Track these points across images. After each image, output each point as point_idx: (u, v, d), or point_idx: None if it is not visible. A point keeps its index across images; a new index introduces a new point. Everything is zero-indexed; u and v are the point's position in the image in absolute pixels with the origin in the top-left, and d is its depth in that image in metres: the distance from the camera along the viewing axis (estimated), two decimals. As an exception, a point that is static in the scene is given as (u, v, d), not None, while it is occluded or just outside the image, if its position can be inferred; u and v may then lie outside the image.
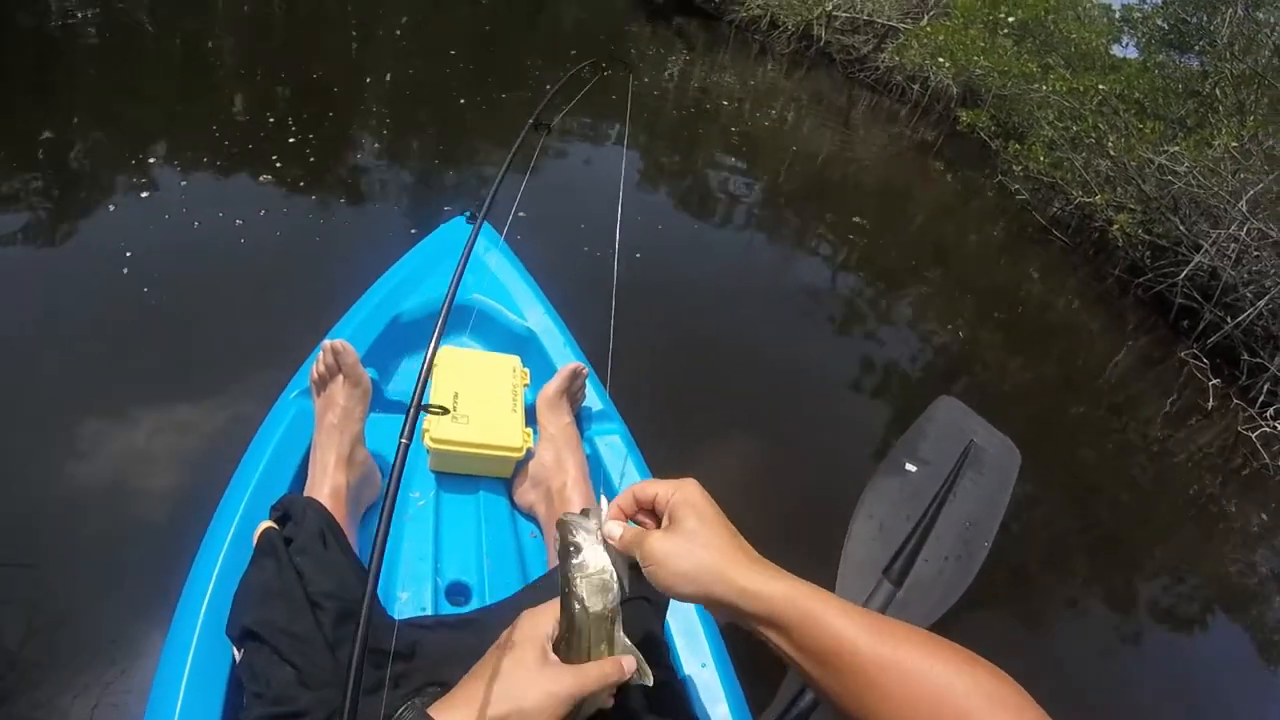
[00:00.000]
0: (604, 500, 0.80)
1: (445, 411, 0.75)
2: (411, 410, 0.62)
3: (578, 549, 0.76)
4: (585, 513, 0.79)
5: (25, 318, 2.45)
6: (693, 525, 0.70)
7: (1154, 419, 4.31)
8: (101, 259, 2.75)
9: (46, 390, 2.20)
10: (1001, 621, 2.50)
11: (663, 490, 0.75)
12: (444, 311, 0.69)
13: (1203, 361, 4.74)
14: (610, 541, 0.76)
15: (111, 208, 3.14)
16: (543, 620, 0.80)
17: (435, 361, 1.70)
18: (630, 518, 0.78)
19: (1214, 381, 4.54)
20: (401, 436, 0.60)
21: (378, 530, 0.57)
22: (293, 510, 1.20)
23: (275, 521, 1.20)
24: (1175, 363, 4.93)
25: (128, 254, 2.80)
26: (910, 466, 1.44)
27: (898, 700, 0.56)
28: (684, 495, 0.73)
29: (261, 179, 3.62)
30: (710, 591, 0.67)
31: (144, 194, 3.28)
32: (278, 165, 3.79)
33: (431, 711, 0.72)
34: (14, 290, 2.57)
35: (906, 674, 0.56)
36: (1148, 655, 2.72)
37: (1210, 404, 4.43)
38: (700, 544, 0.69)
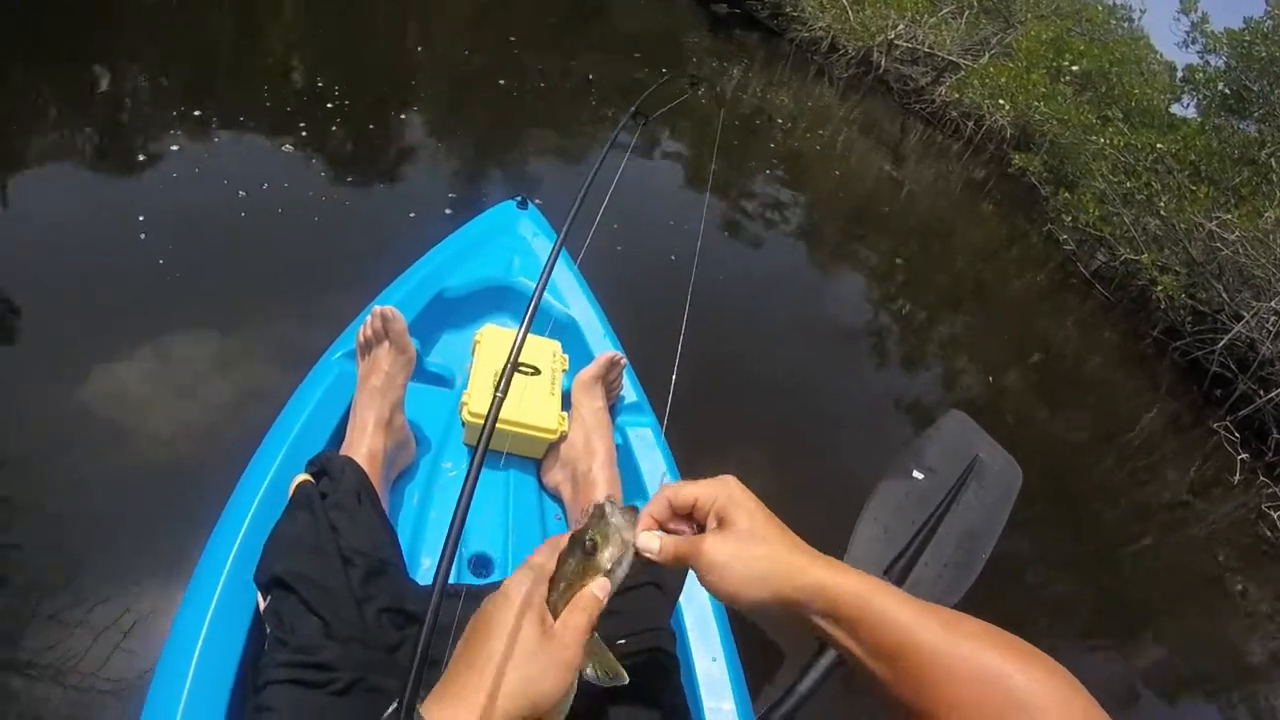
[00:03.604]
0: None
1: (536, 371, 0.75)
2: (508, 368, 0.63)
3: (595, 548, 0.71)
4: (633, 509, 0.74)
5: (69, 262, 2.49)
6: (747, 525, 0.68)
7: (1176, 485, 4.26)
8: (144, 210, 2.78)
9: (85, 334, 2.23)
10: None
11: (703, 493, 0.71)
12: (534, 298, 0.69)
13: (1233, 434, 4.68)
14: (649, 555, 0.72)
15: (162, 162, 3.17)
16: (535, 586, 0.70)
17: (478, 338, 1.72)
18: (662, 526, 0.74)
19: (1242, 456, 4.48)
20: (497, 390, 0.61)
21: (460, 496, 0.57)
22: (330, 467, 1.22)
23: (312, 476, 1.22)
24: (1204, 431, 4.87)
25: (172, 206, 2.84)
26: (917, 474, 1.46)
27: (965, 700, 0.55)
28: (729, 495, 0.70)
29: (315, 146, 3.66)
30: (778, 592, 0.65)
31: (197, 150, 3.33)
32: (333, 134, 3.84)
33: (424, 708, 0.64)
34: (65, 234, 2.61)
35: (975, 673, 0.56)
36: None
37: (1236, 478, 4.37)
38: (760, 544, 0.67)
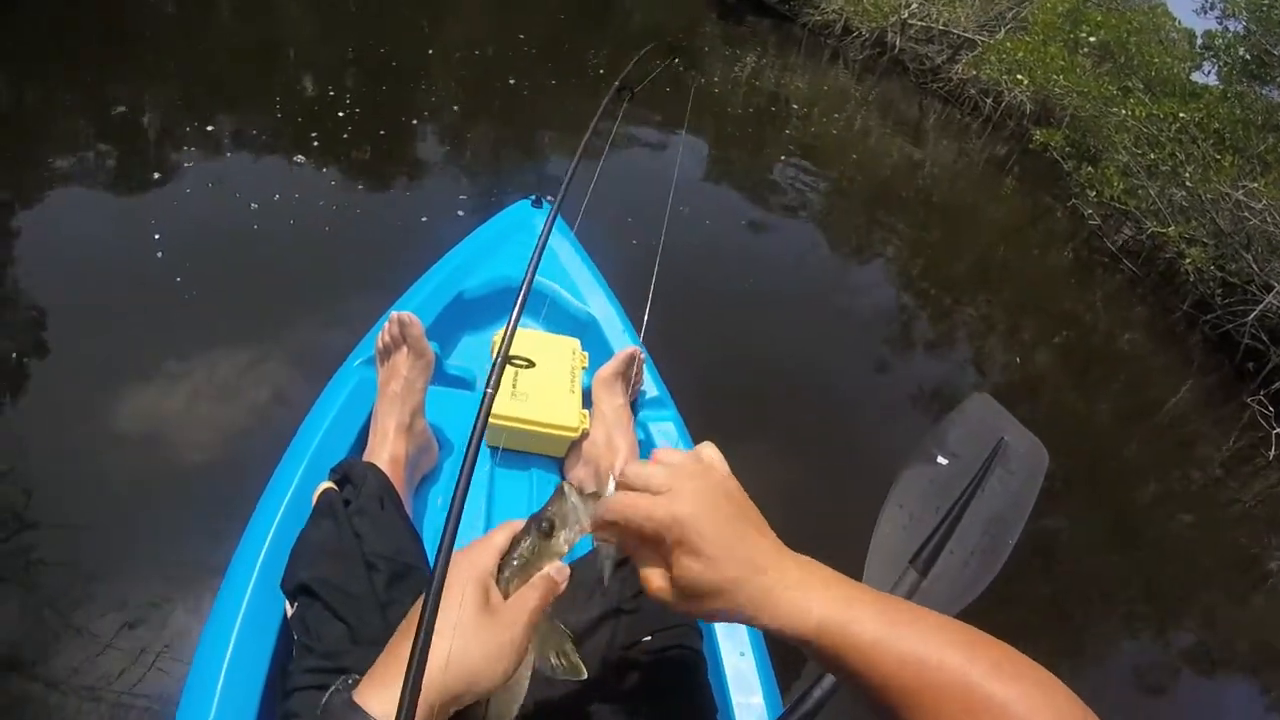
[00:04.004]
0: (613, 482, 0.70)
1: (531, 364, 0.74)
2: (498, 360, 0.61)
3: (551, 529, 0.67)
4: (597, 495, 0.68)
5: (88, 281, 2.52)
6: (695, 571, 0.61)
7: (1209, 462, 4.19)
8: (160, 229, 2.80)
9: (106, 353, 2.26)
10: (1027, 644, 2.46)
11: (646, 526, 0.62)
12: (523, 289, 0.68)
13: (1268, 408, 4.58)
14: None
15: (176, 177, 3.20)
16: (481, 558, 0.66)
17: (497, 339, 1.72)
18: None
19: (1277, 430, 4.39)
20: (488, 386, 0.60)
21: (457, 487, 0.55)
22: (353, 474, 1.22)
23: (335, 483, 1.23)
24: (1237, 406, 4.78)
25: (186, 223, 2.87)
26: (941, 459, 1.41)
27: (951, 714, 0.53)
28: (680, 531, 0.61)
29: (327, 155, 3.69)
30: (747, 624, 0.63)
31: (210, 165, 3.37)
32: (344, 142, 3.86)
33: (360, 695, 0.59)
34: (83, 253, 2.65)
35: (959, 687, 0.54)
36: (1169, 704, 2.65)
37: (1271, 452, 4.28)
38: (707, 598, 0.61)
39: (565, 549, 0.68)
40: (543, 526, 0.67)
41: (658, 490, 0.64)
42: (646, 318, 1.07)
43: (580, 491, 0.69)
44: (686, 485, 0.64)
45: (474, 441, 0.57)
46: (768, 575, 0.62)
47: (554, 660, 0.68)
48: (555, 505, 0.68)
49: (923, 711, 0.54)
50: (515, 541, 0.68)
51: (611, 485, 0.69)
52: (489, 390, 0.60)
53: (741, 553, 0.62)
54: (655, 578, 0.64)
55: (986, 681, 0.53)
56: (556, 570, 0.67)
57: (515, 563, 0.67)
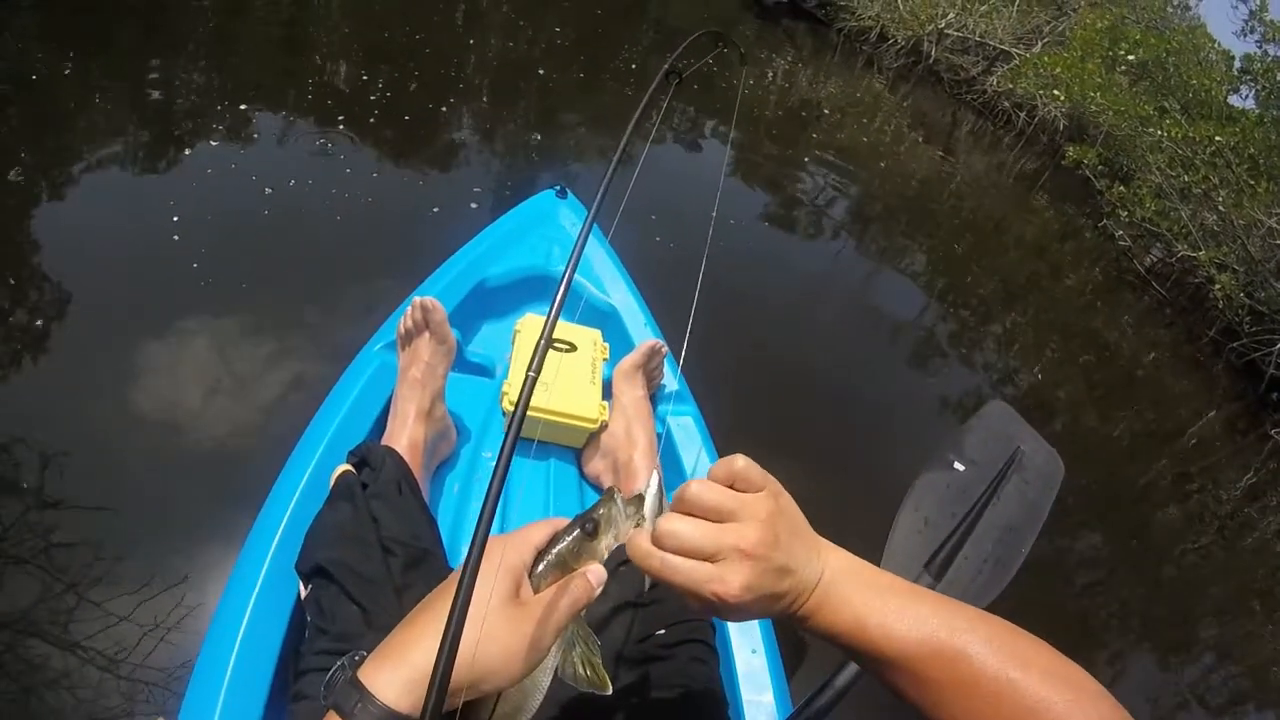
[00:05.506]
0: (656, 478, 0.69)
1: (573, 348, 0.72)
2: (542, 344, 0.60)
3: (595, 531, 0.65)
4: (641, 499, 0.67)
5: (106, 261, 2.52)
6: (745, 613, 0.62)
7: (1230, 491, 4.13)
8: (179, 210, 2.78)
9: (127, 334, 2.26)
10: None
11: (700, 593, 0.60)
12: (563, 284, 0.67)
13: (1291, 440, 4.53)
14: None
15: (200, 158, 3.20)
16: (517, 549, 0.63)
17: (518, 328, 1.73)
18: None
19: (1300, 463, 4.34)
20: (530, 370, 0.59)
21: (492, 482, 0.54)
22: (371, 457, 1.23)
23: (353, 466, 1.23)
24: (1260, 437, 4.72)
25: (204, 204, 2.86)
26: (958, 465, 1.41)
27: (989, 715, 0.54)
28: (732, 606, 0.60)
29: (356, 139, 3.69)
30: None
31: (235, 145, 3.36)
32: (372, 126, 3.86)
33: (364, 673, 0.56)
34: (103, 233, 2.64)
35: (1002, 691, 0.54)
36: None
37: (1294, 486, 4.23)
38: (752, 611, 0.62)
39: (605, 554, 0.66)
40: (587, 527, 0.65)
41: (704, 554, 0.61)
42: (686, 345, 1.06)
43: (628, 500, 0.68)
44: (734, 554, 0.60)
45: (514, 423, 0.56)
46: (816, 588, 0.63)
47: (579, 669, 0.65)
48: (602, 508, 0.66)
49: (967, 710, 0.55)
50: (555, 539, 0.65)
51: (652, 490, 0.68)
52: (531, 374, 0.59)
53: (787, 584, 0.62)
54: (693, 604, 0.62)
55: (1064, 705, 0.53)
56: (593, 573, 0.64)
57: (551, 560, 0.64)
